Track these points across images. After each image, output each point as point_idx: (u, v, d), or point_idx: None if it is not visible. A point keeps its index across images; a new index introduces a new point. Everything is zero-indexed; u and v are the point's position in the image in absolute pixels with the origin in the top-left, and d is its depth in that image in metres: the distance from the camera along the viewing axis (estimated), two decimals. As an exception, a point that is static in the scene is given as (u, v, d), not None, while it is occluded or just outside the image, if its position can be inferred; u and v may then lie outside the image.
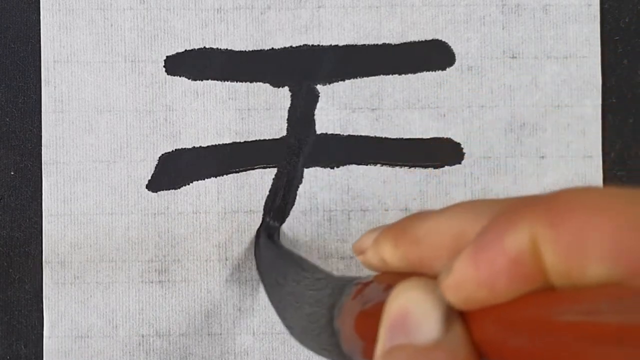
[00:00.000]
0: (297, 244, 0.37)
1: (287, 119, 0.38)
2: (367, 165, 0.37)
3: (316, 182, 0.37)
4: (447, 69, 0.38)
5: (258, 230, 0.37)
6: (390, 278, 0.21)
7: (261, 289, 0.37)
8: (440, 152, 0.38)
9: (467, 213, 0.19)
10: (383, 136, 0.38)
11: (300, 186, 0.37)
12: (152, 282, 0.37)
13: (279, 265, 0.32)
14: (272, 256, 0.34)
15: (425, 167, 0.37)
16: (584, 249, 0.16)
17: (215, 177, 0.37)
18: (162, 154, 0.37)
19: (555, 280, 0.16)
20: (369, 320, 0.20)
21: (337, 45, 0.38)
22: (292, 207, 0.37)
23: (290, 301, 0.29)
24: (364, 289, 0.22)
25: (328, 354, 0.25)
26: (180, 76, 0.37)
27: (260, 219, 0.37)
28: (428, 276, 0.19)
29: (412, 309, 0.18)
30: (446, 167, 0.38)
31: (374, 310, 0.20)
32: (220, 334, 0.37)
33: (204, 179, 0.37)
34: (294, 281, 0.29)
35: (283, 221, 0.37)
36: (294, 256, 0.32)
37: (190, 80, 0.37)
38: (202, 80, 0.37)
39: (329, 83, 0.38)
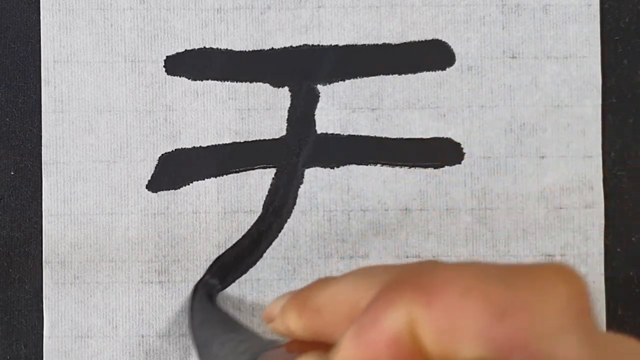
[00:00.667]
0: (297, 244, 0.37)
1: (287, 119, 0.38)
2: (367, 165, 0.37)
3: (316, 182, 0.37)
4: (447, 69, 0.38)
5: (195, 287, 0.36)
6: (299, 346, 0.21)
7: (262, 288, 0.37)
8: (440, 152, 0.38)
9: (362, 280, 0.20)
10: (383, 136, 0.38)
11: (301, 186, 0.37)
12: (152, 282, 0.37)
13: (209, 326, 0.32)
14: (204, 316, 0.33)
15: (425, 167, 0.37)
16: (455, 331, 0.16)
17: (215, 177, 0.37)
18: (162, 154, 0.37)
19: (435, 359, 0.17)
20: None
21: (337, 45, 0.38)
22: (292, 208, 0.37)
23: None
24: (273, 357, 0.22)
25: None
26: (180, 76, 0.37)
27: (258, 218, 0.37)
28: (331, 345, 0.19)
29: None
30: (446, 167, 0.38)
31: None
32: (220, 334, 0.37)
33: (204, 179, 0.37)
34: (220, 344, 0.29)
35: (225, 284, 0.37)
36: (224, 317, 0.32)
37: (190, 80, 0.37)
38: (202, 80, 0.37)
39: (329, 83, 0.38)
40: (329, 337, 0.20)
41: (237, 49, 0.38)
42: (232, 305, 0.37)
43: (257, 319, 0.37)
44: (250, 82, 0.38)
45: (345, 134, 0.38)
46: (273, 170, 0.37)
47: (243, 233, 0.37)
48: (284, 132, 0.38)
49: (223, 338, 0.29)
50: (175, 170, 0.37)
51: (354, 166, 0.37)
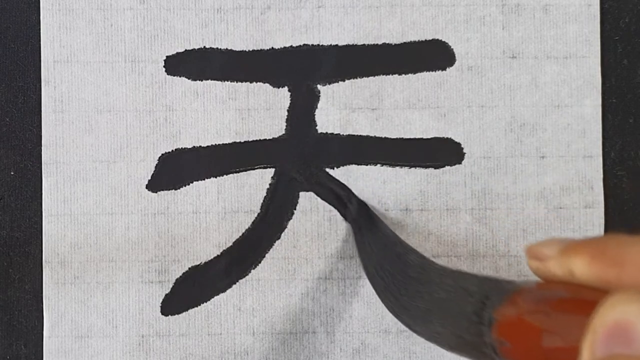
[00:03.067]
0: (297, 244, 0.37)
1: (287, 119, 0.38)
2: (367, 165, 0.37)
3: (316, 182, 0.37)
4: (447, 69, 0.38)
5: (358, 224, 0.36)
6: (564, 287, 0.21)
7: (262, 288, 0.37)
8: (440, 152, 0.38)
9: None
10: (383, 136, 0.38)
11: (300, 186, 0.37)
12: (152, 282, 0.37)
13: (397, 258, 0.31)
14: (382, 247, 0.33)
15: (425, 167, 0.37)
16: None
17: (215, 177, 0.37)
18: (162, 154, 0.37)
19: None
20: (563, 318, 0.21)
21: (337, 45, 0.38)
22: (293, 208, 0.37)
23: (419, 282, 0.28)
24: (532, 294, 0.22)
25: (455, 340, 0.24)
26: (180, 76, 0.37)
27: (258, 218, 0.37)
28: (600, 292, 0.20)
29: (636, 320, 0.18)
30: (446, 167, 0.38)
31: (571, 307, 0.21)
32: (220, 334, 0.37)
33: (204, 179, 0.37)
34: (425, 269, 0.29)
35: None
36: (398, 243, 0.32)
37: (190, 80, 0.37)
38: (202, 80, 0.37)
39: (329, 83, 0.38)
40: (623, 287, 0.20)
41: (237, 49, 0.38)
42: (233, 304, 0.37)
43: (257, 319, 0.37)
44: (250, 82, 0.38)
45: (345, 134, 0.38)
46: (273, 170, 0.37)
47: (243, 233, 0.37)
48: (283, 132, 0.38)
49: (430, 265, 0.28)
50: (175, 170, 0.37)
51: (354, 166, 0.37)
